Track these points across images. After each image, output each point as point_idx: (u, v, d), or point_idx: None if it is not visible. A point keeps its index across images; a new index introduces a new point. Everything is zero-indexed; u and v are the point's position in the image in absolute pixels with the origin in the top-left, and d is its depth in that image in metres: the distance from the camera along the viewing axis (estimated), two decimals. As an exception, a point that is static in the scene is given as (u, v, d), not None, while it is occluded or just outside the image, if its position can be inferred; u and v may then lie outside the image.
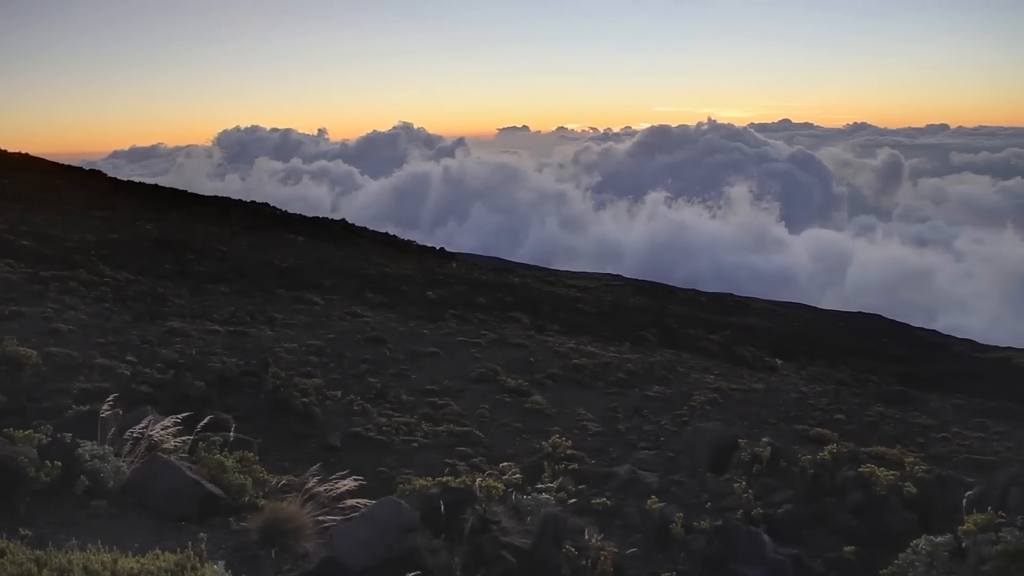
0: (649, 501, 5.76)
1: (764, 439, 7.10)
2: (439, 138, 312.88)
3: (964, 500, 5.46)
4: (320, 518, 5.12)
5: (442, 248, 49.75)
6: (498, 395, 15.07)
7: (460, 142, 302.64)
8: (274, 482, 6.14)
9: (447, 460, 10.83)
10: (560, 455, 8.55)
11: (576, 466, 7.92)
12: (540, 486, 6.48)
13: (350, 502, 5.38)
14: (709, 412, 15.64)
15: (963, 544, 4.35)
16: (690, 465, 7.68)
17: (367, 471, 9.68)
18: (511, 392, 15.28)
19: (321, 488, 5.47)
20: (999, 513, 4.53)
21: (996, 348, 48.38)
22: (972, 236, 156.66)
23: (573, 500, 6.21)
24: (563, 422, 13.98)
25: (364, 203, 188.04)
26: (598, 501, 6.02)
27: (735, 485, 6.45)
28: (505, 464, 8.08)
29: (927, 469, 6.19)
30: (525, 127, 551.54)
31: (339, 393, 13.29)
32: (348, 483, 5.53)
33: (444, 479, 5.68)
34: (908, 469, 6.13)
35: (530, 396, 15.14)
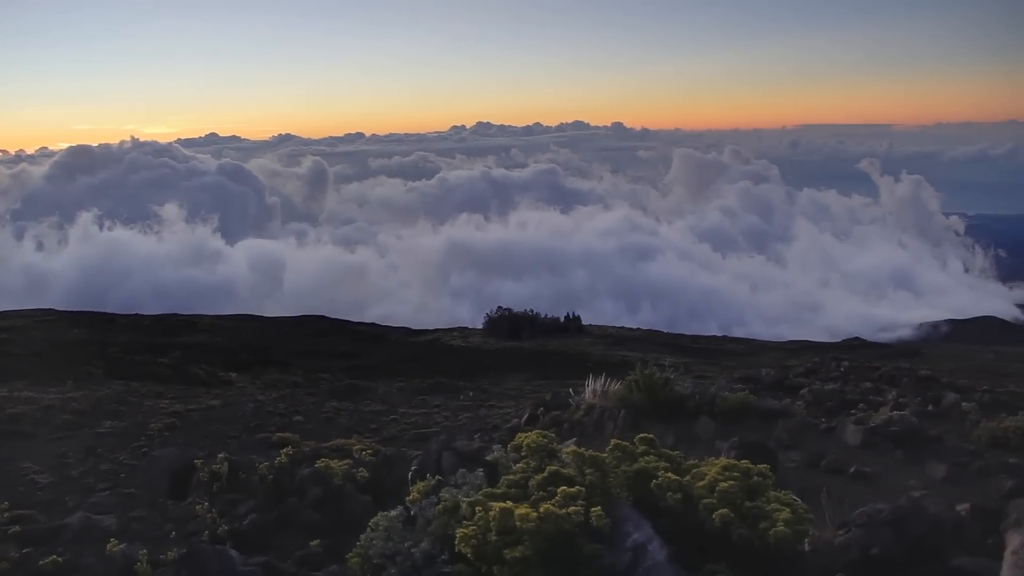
0: (109, 545, 5.42)
1: (221, 455, 7.07)
2: None
3: (409, 473, 6.05)
4: None
5: None
6: (-87, 467, 12.89)
7: None
8: None
9: None
10: (-2, 520, 7.62)
11: (19, 528, 7.12)
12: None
13: None
14: (169, 438, 15.08)
15: (412, 512, 4.81)
16: (150, 497, 7.38)
17: None
18: (-71, 462, 13.17)
19: None
20: (437, 477, 5.11)
21: (426, 331, 53.71)
22: (392, 232, 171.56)
23: (17, 567, 5.60)
24: (5, 481, 12.43)
25: None
26: (48, 560, 5.49)
27: (197, 507, 6.35)
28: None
29: (373, 452, 6.70)
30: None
31: None
32: None
33: None
34: (358, 455, 6.57)
35: (-42, 461, 13.20)
